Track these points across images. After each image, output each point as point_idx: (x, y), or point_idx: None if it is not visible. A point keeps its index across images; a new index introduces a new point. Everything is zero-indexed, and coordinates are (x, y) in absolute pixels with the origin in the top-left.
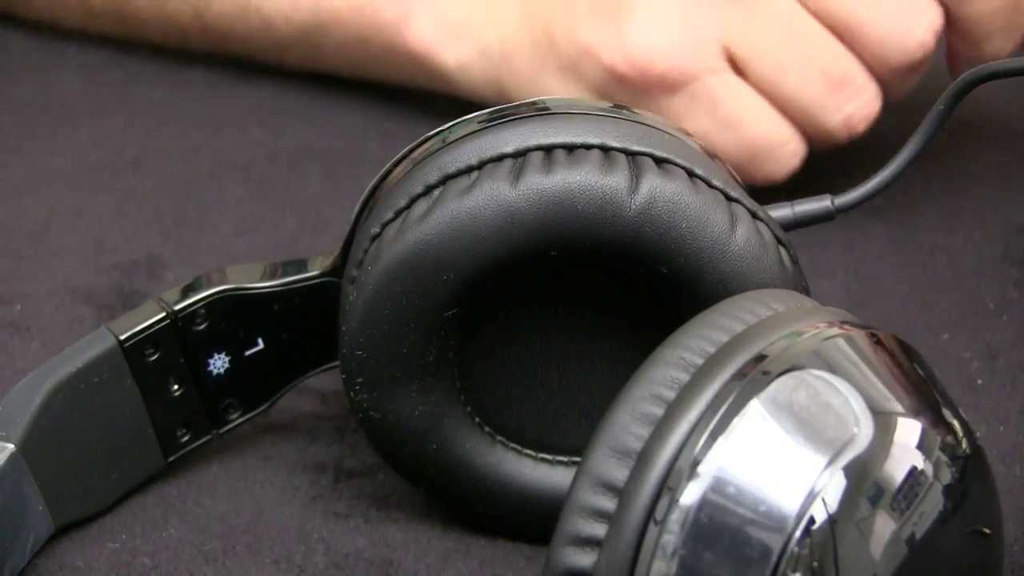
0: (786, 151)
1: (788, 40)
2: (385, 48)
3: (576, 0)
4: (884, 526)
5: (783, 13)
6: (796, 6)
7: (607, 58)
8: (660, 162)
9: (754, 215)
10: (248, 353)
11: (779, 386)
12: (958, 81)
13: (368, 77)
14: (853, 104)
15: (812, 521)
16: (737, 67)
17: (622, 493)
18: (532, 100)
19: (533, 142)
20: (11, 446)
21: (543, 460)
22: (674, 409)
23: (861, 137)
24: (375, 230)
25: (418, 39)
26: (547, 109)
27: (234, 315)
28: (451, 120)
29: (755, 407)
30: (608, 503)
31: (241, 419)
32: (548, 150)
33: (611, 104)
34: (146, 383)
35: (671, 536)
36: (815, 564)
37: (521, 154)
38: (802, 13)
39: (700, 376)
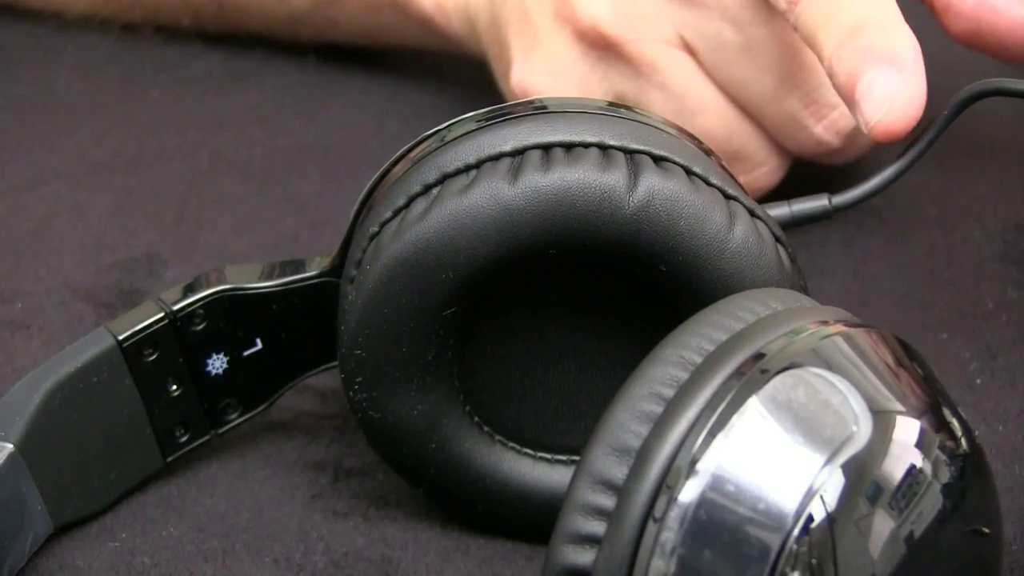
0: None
1: (678, 111)
2: (397, 14)
3: None
4: (883, 525)
5: (678, 83)
6: (700, 76)
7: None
8: (658, 160)
9: (752, 213)
10: (246, 353)
11: (778, 384)
12: (964, 92)
13: (382, 45)
14: (745, 177)
15: (811, 519)
16: None
17: (621, 491)
18: (530, 99)
19: (531, 141)
20: (10, 446)
21: (542, 459)
22: (673, 407)
23: None
24: (374, 229)
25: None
26: (545, 108)
27: (232, 315)
28: (450, 119)
29: (754, 405)
30: (607, 501)
31: (240, 419)
32: (546, 148)
33: (608, 102)
34: (145, 383)
35: (670, 534)
36: (814, 562)
37: (519, 153)
38: (701, 84)
39: (699, 374)
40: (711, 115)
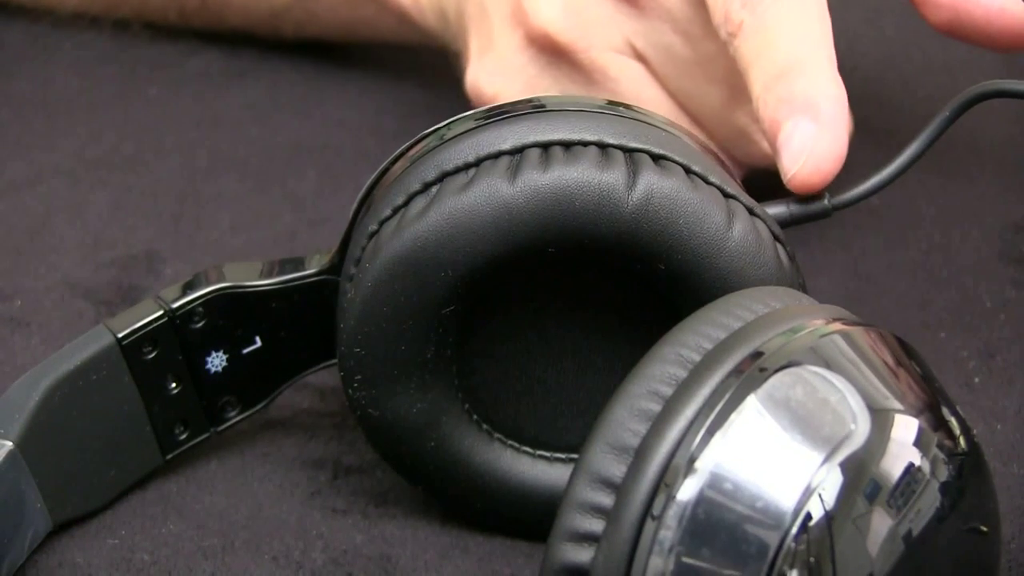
0: None
1: None
2: (375, 7)
3: None
4: (881, 523)
5: (629, 89)
6: (651, 84)
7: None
8: (657, 159)
9: (751, 211)
10: (246, 351)
11: (776, 383)
12: (964, 94)
13: (360, 40)
14: None
15: (809, 517)
16: None
17: (620, 489)
18: (529, 98)
19: (530, 139)
20: (9, 443)
21: (541, 457)
22: (671, 405)
23: (860, 136)
24: (373, 227)
25: None
26: (544, 106)
27: (232, 313)
28: (449, 118)
29: (752, 403)
30: (606, 499)
31: (239, 417)
32: (545, 147)
33: (608, 101)
34: (144, 381)
35: (668, 532)
36: (812, 560)
37: (518, 151)
38: (657, 92)
39: (697, 373)
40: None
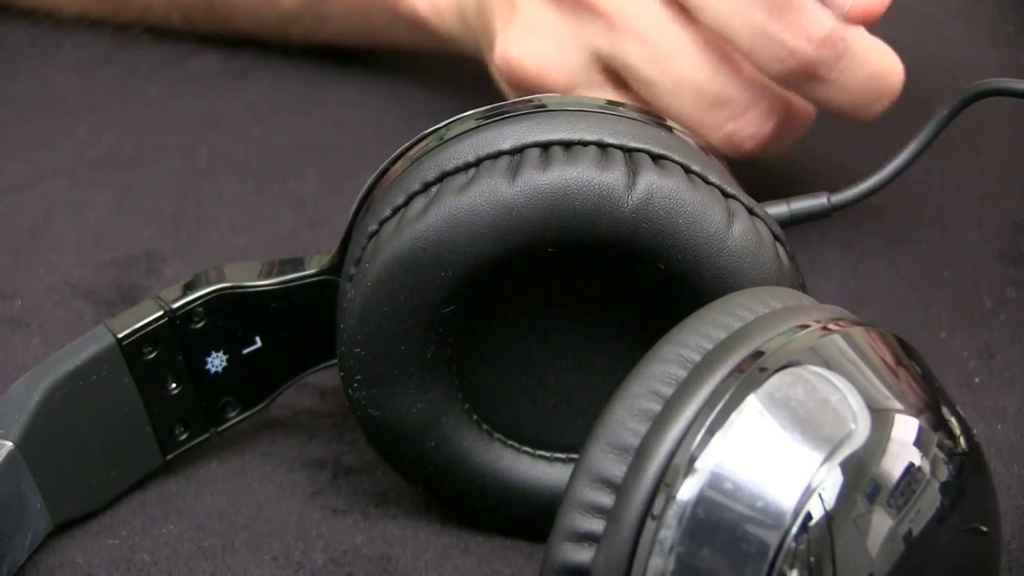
0: None
1: (653, 58)
2: (388, 13)
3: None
4: (881, 523)
5: (650, 29)
6: (665, 20)
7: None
8: (657, 158)
9: (751, 211)
10: (246, 351)
11: (776, 382)
12: (964, 92)
13: (372, 45)
14: (733, 124)
15: (809, 517)
16: (617, 80)
17: (620, 489)
18: (529, 98)
19: (530, 139)
20: (9, 443)
21: (541, 457)
22: (671, 405)
23: (860, 136)
24: (373, 227)
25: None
26: (544, 106)
27: (232, 313)
28: (449, 118)
29: (752, 403)
30: (606, 499)
31: (239, 417)
32: (545, 147)
33: (608, 101)
34: (144, 381)
35: (668, 532)
36: (812, 560)
37: (518, 151)
38: (672, 28)
39: (697, 372)
40: (686, 58)
